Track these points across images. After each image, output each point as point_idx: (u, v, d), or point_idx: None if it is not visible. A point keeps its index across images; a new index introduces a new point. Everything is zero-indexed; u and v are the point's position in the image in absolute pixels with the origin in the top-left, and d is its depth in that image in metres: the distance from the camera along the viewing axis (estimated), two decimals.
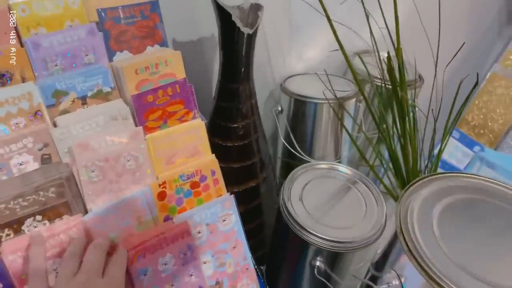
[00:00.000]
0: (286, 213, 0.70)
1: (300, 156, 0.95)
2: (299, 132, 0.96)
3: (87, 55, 0.51)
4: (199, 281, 0.53)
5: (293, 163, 1.01)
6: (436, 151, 0.88)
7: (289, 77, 0.99)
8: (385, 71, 0.80)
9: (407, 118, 0.80)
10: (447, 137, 0.81)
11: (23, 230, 0.45)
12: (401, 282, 0.41)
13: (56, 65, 0.50)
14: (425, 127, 0.81)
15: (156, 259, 0.48)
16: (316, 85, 0.94)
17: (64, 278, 0.41)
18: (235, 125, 0.78)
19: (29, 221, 0.45)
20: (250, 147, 0.81)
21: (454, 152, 1.19)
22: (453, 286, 0.36)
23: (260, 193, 0.87)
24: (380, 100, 0.84)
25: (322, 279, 0.68)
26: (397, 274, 0.42)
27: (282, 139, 0.97)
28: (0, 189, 0.44)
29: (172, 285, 0.50)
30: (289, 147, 0.96)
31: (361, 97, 0.95)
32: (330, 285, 0.68)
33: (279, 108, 0.96)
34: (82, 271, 0.41)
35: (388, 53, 0.78)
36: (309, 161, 0.97)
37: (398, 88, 0.79)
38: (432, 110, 0.75)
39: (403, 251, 0.43)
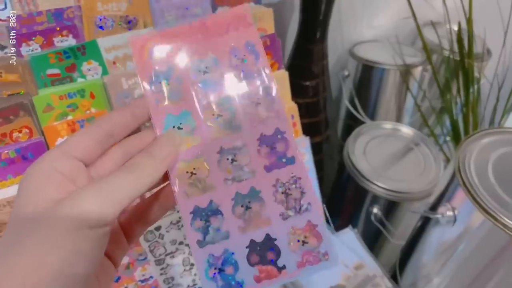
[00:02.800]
0: (350, 163, 0.78)
1: (362, 119, 1.01)
2: (363, 97, 1.02)
3: (195, 7, 0.61)
4: (275, 117, 0.31)
5: (355, 126, 1.07)
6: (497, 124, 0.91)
7: (357, 44, 1.05)
8: (454, 42, 0.84)
9: (471, 89, 0.84)
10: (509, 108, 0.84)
11: None
12: (454, 213, 0.48)
13: (170, 15, 0.60)
14: (487, 98, 0.85)
15: (188, 61, 0.30)
16: (384, 52, 0.99)
17: None
18: (306, 83, 0.86)
19: None
20: (317, 105, 0.89)
21: None
22: (501, 215, 0.43)
23: (322, 149, 0.95)
24: (447, 67, 0.88)
25: (378, 224, 0.76)
26: (451, 206, 0.49)
27: (346, 102, 1.04)
28: None
29: (217, 115, 0.30)
30: (352, 110, 1.02)
31: (428, 67, 0.99)
32: (384, 231, 0.76)
33: (346, 73, 1.02)
34: None
35: (459, 22, 0.82)
36: None
37: (465, 58, 0.82)
38: (497, 75, 0.78)
39: (456, 189, 0.50)
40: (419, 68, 0.97)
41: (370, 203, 0.77)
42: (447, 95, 0.88)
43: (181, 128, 0.30)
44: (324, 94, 0.89)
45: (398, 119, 1.05)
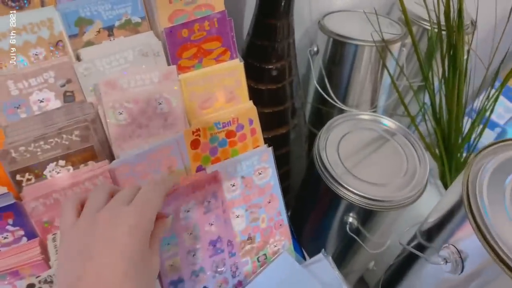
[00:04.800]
0: (320, 165, 0.65)
1: (333, 102, 0.89)
2: (335, 76, 0.89)
3: None
4: (219, 231, 0.48)
5: (324, 110, 0.95)
6: (477, 104, 0.82)
7: (328, 14, 0.90)
8: (440, 13, 0.71)
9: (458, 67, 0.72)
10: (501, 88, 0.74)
11: (45, 175, 0.41)
12: (462, 260, 0.37)
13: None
14: (484, 76, 0.74)
15: (179, 206, 0.45)
16: (357, 24, 0.86)
17: (87, 210, 0.35)
18: (269, 67, 0.71)
19: (51, 165, 0.40)
20: (283, 91, 0.75)
21: (496, 106, 1.11)
22: None
23: (289, 140, 0.82)
24: (432, 42, 0.76)
25: (354, 235, 0.65)
26: (457, 249, 0.38)
27: (315, 83, 0.90)
28: (20, 129, 0.39)
29: (190, 233, 0.47)
30: (322, 92, 0.89)
31: (405, 41, 0.87)
32: (363, 244, 0.65)
33: (315, 49, 0.88)
34: (108, 205, 0.36)
35: None
36: (342, 108, 0.91)
37: (454, 33, 0.70)
38: (494, 55, 0.67)
39: (463, 223, 0.38)
40: (397, 44, 0.85)
41: (344, 211, 0.65)
42: (428, 73, 0.77)
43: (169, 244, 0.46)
44: (291, 78, 0.75)
45: (373, 102, 0.93)
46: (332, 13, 0.91)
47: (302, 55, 0.93)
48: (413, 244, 0.50)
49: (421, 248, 0.47)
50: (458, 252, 0.38)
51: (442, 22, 0.71)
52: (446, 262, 0.38)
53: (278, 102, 0.76)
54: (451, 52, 0.72)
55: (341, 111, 0.92)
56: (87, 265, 0.32)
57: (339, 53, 0.86)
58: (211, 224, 0.48)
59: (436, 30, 0.75)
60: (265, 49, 0.70)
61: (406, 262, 0.52)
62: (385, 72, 0.89)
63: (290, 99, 0.77)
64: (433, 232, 0.44)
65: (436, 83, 0.79)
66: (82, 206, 0.37)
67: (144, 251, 0.35)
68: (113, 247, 0.33)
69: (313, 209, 0.74)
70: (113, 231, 0.33)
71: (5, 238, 0.39)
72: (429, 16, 0.71)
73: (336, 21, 0.88)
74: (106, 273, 0.32)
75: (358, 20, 0.88)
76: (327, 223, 0.71)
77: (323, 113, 0.96)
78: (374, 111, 0.95)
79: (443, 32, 0.72)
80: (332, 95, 0.89)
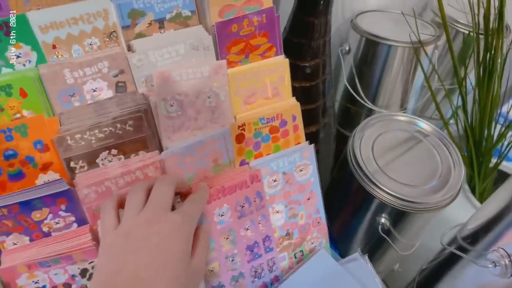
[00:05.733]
0: (353, 163, 0.65)
1: (363, 102, 0.88)
2: (365, 75, 0.89)
3: None
4: (255, 236, 0.49)
5: (353, 110, 0.95)
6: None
7: (361, 13, 0.90)
8: (479, 16, 0.71)
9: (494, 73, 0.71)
10: None
11: (97, 163, 0.41)
12: None
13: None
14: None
15: (212, 210, 0.45)
16: (390, 24, 0.86)
17: (128, 213, 0.37)
18: (304, 64, 0.71)
19: (104, 154, 0.41)
20: (316, 89, 0.75)
21: None
22: None
23: (318, 139, 0.82)
24: (468, 47, 0.75)
25: (385, 236, 0.65)
26: (507, 253, 0.38)
27: (345, 82, 0.90)
28: (74, 117, 0.40)
29: (226, 238, 0.47)
30: (352, 91, 0.89)
31: (438, 43, 0.86)
32: (394, 246, 0.65)
33: (347, 48, 0.88)
34: (148, 205, 0.37)
35: None
36: (372, 109, 0.90)
37: (493, 36, 0.69)
38: None
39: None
40: (431, 46, 0.84)
41: (376, 211, 0.65)
42: (463, 77, 0.76)
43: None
44: (324, 76, 0.75)
45: (403, 104, 0.93)
46: (364, 13, 0.91)
47: (333, 54, 0.93)
48: (453, 246, 0.49)
49: (462, 250, 0.46)
50: (508, 255, 0.38)
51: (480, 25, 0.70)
52: (495, 265, 0.38)
53: (310, 100, 0.76)
54: (488, 56, 0.71)
55: (370, 111, 0.91)
56: (126, 260, 0.34)
57: (371, 53, 0.86)
58: (247, 229, 0.48)
59: (474, 33, 0.75)
60: (301, 46, 0.70)
61: (444, 265, 0.52)
62: (416, 74, 0.89)
63: (322, 97, 0.77)
64: (478, 235, 0.44)
65: (468, 86, 0.79)
66: (120, 205, 0.39)
67: (183, 254, 0.36)
68: (152, 246, 0.34)
69: (343, 209, 0.74)
70: (153, 233, 0.35)
71: (56, 223, 0.40)
72: (473, 19, 0.70)
73: (369, 20, 0.87)
74: (143, 270, 0.33)
75: (390, 21, 0.88)
76: (357, 223, 0.70)
77: (351, 113, 0.96)
78: (404, 113, 0.94)
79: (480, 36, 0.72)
80: (362, 95, 0.88)
